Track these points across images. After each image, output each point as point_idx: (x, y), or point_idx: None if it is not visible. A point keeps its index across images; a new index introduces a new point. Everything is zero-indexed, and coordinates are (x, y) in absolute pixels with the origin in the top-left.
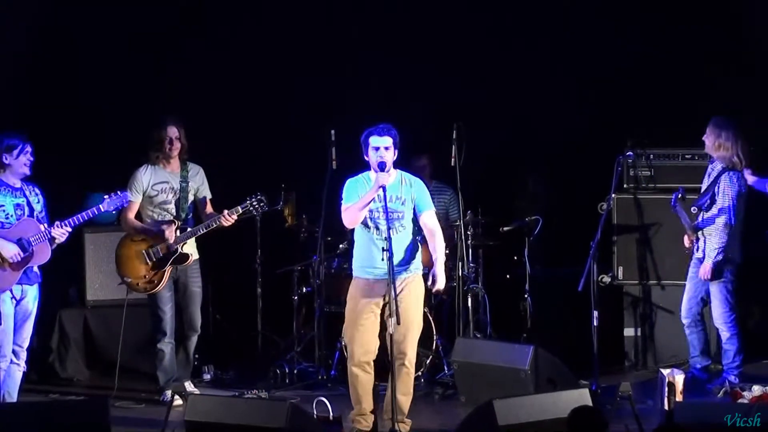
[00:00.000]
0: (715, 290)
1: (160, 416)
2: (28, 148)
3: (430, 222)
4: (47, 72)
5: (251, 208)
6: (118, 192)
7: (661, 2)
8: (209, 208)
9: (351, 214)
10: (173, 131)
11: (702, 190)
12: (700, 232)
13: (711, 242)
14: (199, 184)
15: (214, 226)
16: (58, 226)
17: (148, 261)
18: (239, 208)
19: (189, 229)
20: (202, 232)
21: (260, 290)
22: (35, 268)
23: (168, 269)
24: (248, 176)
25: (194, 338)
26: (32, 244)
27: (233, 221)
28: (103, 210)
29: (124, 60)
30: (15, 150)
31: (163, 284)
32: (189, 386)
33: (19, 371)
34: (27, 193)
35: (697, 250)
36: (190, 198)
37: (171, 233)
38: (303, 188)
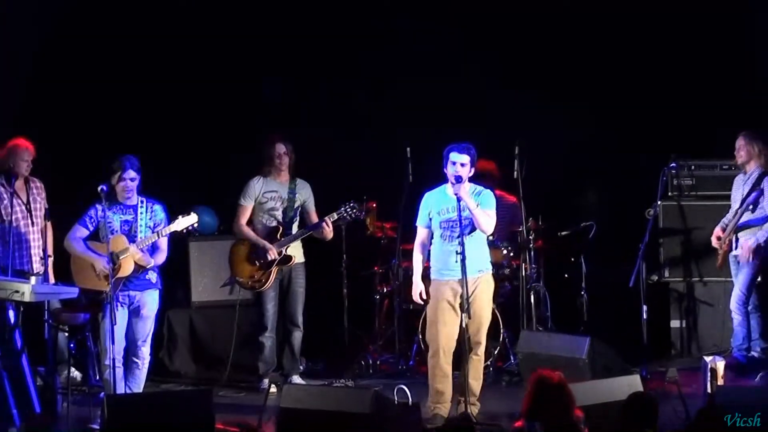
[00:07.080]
0: (743, 275)
1: (258, 403)
2: (129, 175)
3: None
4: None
5: (345, 214)
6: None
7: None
8: (314, 217)
9: (413, 257)
10: (281, 147)
11: (743, 195)
12: (740, 232)
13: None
14: (305, 198)
15: (312, 231)
16: (136, 250)
17: (256, 262)
18: (335, 214)
19: (292, 234)
20: (302, 236)
21: (346, 290)
22: (149, 275)
23: (274, 270)
24: (335, 190)
25: (297, 334)
26: (120, 257)
27: (332, 229)
28: (172, 230)
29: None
30: (115, 175)
31: (270, 284)
32: (297, 379)
33: (137, 369)
34: (141, 210)
35: (736, 248)
36: (296, 207)
37: (273, 251)
38: (382, 200)
